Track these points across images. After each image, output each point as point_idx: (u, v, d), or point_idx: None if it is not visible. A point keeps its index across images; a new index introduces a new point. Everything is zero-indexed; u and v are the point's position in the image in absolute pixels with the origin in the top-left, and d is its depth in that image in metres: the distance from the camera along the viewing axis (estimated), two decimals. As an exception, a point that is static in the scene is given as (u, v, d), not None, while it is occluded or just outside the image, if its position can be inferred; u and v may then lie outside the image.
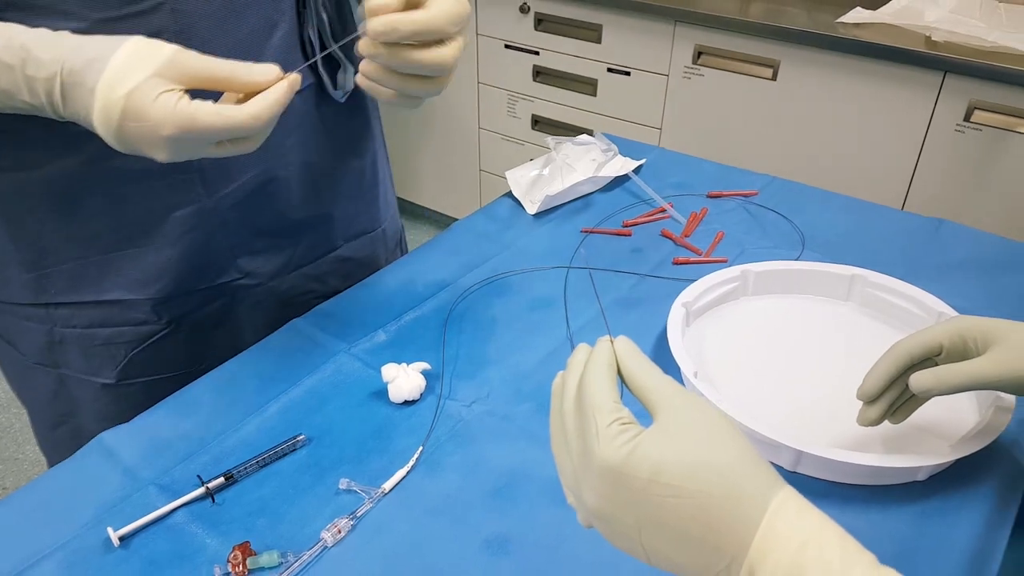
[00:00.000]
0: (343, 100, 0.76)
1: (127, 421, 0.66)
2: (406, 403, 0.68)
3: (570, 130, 2.05)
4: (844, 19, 1.61)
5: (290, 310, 0.79)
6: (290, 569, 0.53)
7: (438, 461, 0.62)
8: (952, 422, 0.64)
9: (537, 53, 2.01)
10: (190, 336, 0.76)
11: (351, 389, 0.69)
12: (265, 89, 0.53)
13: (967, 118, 1.51)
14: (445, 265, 0.86)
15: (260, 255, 0.77)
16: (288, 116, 0.68)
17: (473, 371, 0.71)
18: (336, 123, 0.78)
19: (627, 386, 0.42)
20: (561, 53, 1.97)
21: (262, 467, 0.62)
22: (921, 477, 0.59)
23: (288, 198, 0.76)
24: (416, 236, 2.60)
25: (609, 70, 1.91)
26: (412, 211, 2.67)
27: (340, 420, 0.66)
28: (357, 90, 0.74)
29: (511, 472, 0.61)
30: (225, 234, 0.73)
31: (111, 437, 0.65)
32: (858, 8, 1.65)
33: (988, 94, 1.47)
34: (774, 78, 1.68)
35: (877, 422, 0.60)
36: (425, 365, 0.69)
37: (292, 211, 0.77)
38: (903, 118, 1.57)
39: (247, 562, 0.53)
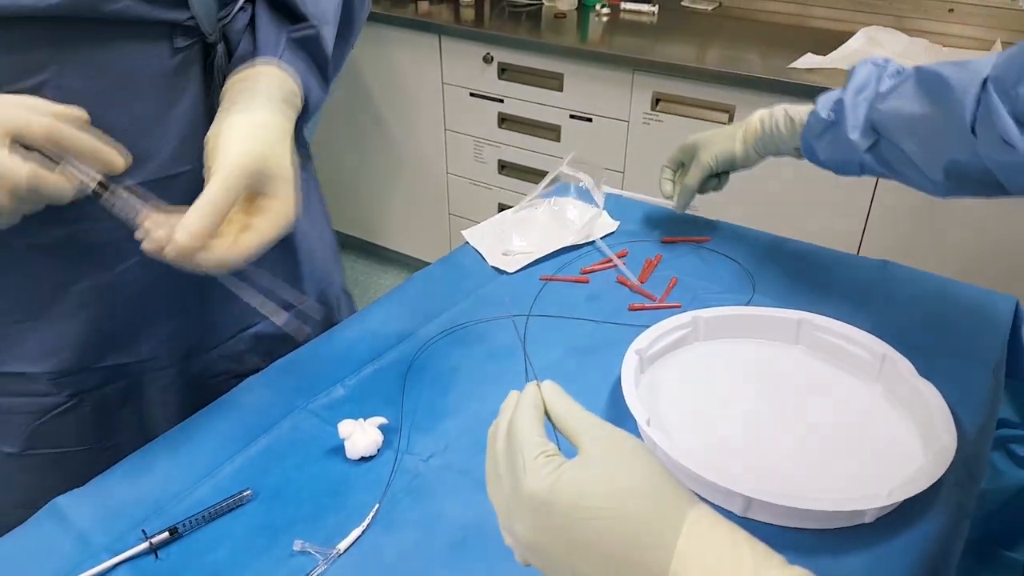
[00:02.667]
0: None
1: (34, 491, 0.65)
2: (363, 459, 0.68)
3: (536, 174, 2.08)
4: (796, 64, 1.67)
5: (205, 392, 0.76)
6: (242, 635, 0.53)
7: (395, 518, 0.62)
8: (896, 463, 0.65)
9: (502, 101, 2.05)
10: (96, 412, 0.74)
11: (307, 447, 0.69)
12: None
13: (917, 158, 1.56)
14: (404, 316, 0.87)
15: (165, 336, 0.74)
16: (196, 188, 0.66)
17: (431, 423, 0.72)
18: None
19: (554, 426, 0.44)
20: (525, 101, 2.01)
21: (208, 522, 0.61)
22: (868, 519, 0.60)
23: (193, 276, 0.72)
24: (386, 280, 2.61)
25: (571, 116, 1.96)
26: (382, 255, 2.68)
27: (296, 478, 0.66)
28: None
29: (470, 526, 0.62)
30: (125, 312, 0.70)
31: (65, 501, 0.64)
32: (809, 54, 1.71)
33: (935, 135, 1.52)
34: (730, 122, 1.72)
35: (682, 208, 0.99)
36: (382, 420, 0.69)
37: (200, 289, 0.73)
38: (856, 159, 1.62)
39: None
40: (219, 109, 0.63)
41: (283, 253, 0.81)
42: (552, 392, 0.45)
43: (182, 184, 0.66)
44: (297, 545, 0.59)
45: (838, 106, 0.78)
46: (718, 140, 0.95)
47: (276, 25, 0.69)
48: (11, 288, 0.67)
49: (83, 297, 0.68)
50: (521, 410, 0.44)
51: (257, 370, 0.79)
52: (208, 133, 0.61)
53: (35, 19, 0.55)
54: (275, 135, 0.62)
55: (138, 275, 0.69)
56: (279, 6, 0.70)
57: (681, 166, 1.01)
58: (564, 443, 0.44)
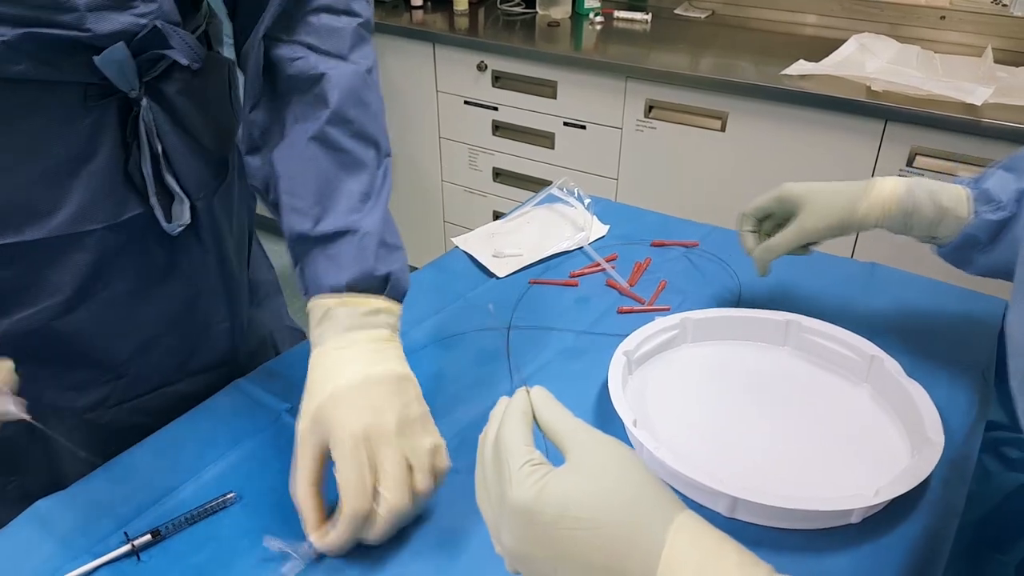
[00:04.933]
0: (176, 233, 0.69)
1: None
2: (348, 461, 0.67)
3: (530, 182, 2.09)
4: (788, 71, 1.67)
5: (110, 439, 0.70)
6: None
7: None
8: (883, 463, 0.65)
9: (496, 108, 2.06)
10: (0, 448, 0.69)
11: (291, 450, 0.68)
12: None
13: (910, 163, 1.57)
14: (393, 320, 0.86)
15: (70, 389, 0.69)
16: (104, 247, 0.64)
17: (417, 426, 0.71)
18: (166, 254, 0.70)
19: (543, 432, 0.44)
20: (519, 108, 2.02)
21: (191, 524, 0.61)
22: (855, 520, 0.60)
23: (102, 331, 0.67)
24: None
25: (565, 124, 1.96)
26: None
27: (280, 482, 0.65)
28: (194, 223, 0.70)
29: (451, 528, 0.61)
30: (22, 363, 0.60)
31: (46, 505, 0.64)
32: (801, 60, 1.71)
33: (929, 140, 1.53)
34: (723, 129, 1.73)
35: (764, 271, 0.81)
36: (367, 422, 0.69)
37: (108, 345, 0.69)
38: (849, 165, 1.63)
39: None
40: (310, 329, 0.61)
41: (200, 310, 0.76)
42: (541, 398, 0.45)
43: (89, 244, 0.63)
44: (272, 544, 0.58)
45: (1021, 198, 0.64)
46: (831, 204, 0.75)
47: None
48: None
49: None
50: (509, 418, 0.44)
51: (173, 420, 0.73)
52: (303, 406, 0.59)
53: None
54: (388, 385, 0.59)
55: (35, 328, 0.64)
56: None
57: (768, 217, 0.82)
58: (554, 451, 0.43)
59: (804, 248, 0.79)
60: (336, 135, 0.65)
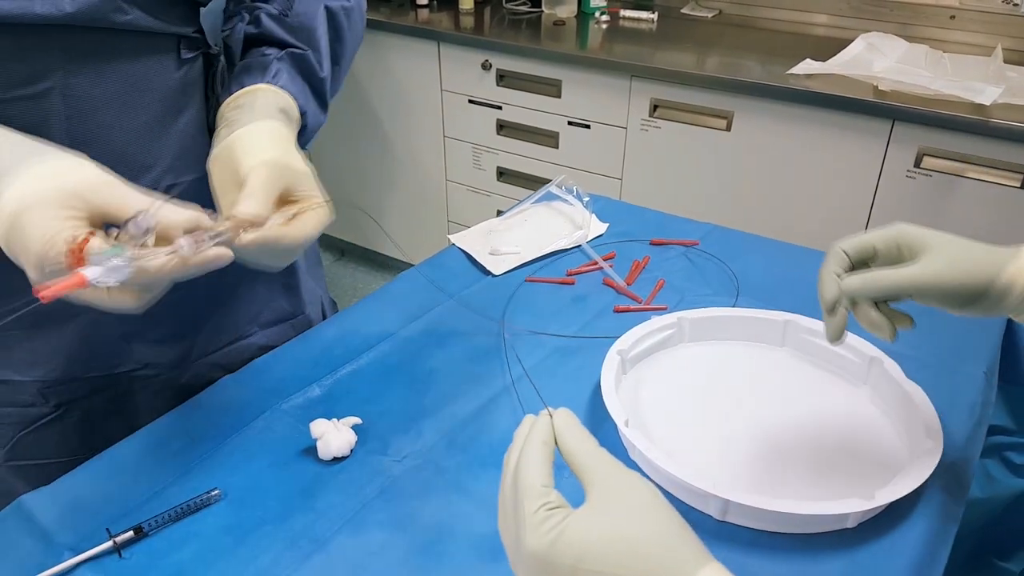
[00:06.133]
0: None
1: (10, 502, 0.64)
2: (335, 460, 0.66)
3: (535, 181, 2.08)
4: (795, 70, 1.65)
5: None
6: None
7: (364, 519, 0.61)
8: (881, 467, 0.64)
9: (500, 108, 2.05)
10: (81, 422, 0.73)
11: (279, 446, 0.68)
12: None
13: (917, 164, 1.54)
14: (386, 316, 0.85)
15: (157, 344, 0.73)
16: (193, 200, 0.66)
17: (407, 424, 0.70)
18: None
19: (564, 461, 0.42)
20: (523, 107, 2.01)
21: (175, 521, 0.60)
22: (851, 524, 0.59)
23: (189, 284, 0.71)
24: (387, 288, 2.60)
25: (569, 123, 1.95)
26: (381, 262, 2.67)
27: (266, 479, 0.65)
28: None
29: (439, 528, 0.60)
30: (117, 321, 0.68)
31: (30, 500, 0.63)
32: (808, 60, 1.70)
33: (937, 141, 1.51)
34: (728, 129, 1.72)
35: (839, 331, 0.57)
36: (356, 420, 0.68)
37: (194, 297, 0.73)
38: (856, 165, 1.61)
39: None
40: (218, 128, 0.62)
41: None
42: (564, 424, 0.43)
43: (180, 197, 0.66)
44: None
45: None
46: (966, 255, 0.56)
47: (264, 52, 0.69)
48: (4, 298, 0.66)
49: (73, 307, 0.67)
50: (529, 448, 0.42)
51: None
52: (216, 149, 0.60)
53: (47, 27, 0.56)
54: (287, 139, 0.61)
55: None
56: (265, 39, 0.69)
57: (865, 262, 0.59)
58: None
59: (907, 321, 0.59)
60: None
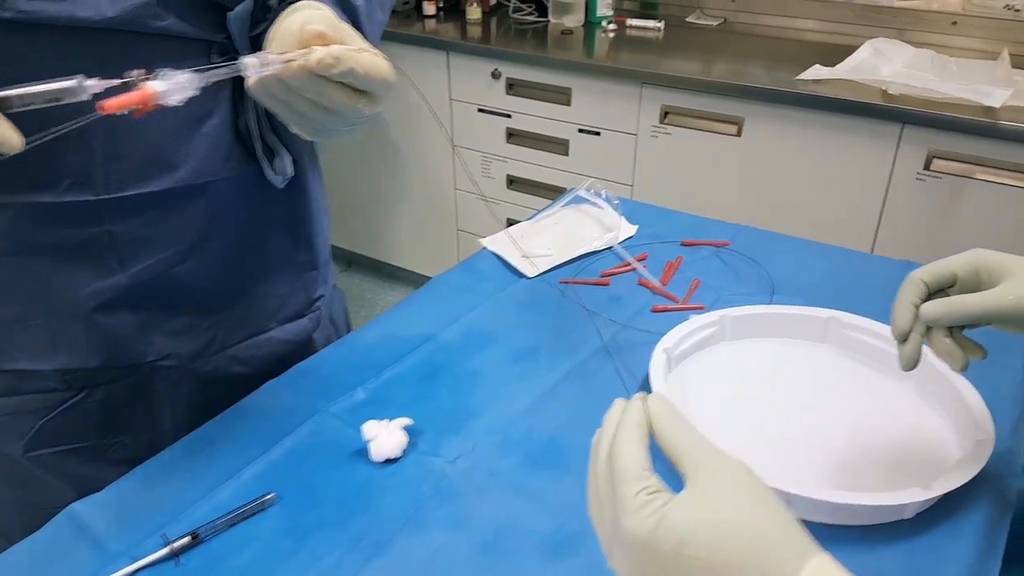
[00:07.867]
0: (282, 186, 0.75)
1: (34, 492, 0.64)
2: (388, 461, 0.66)
3: (545, 189, 2.08)
4: (804, 76, 1.67)
5: (212, 392, 0.76)
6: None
7: (423, 519, 0.61)
8: (935, 458, 0.64)
9: (509, 116, 2.06)
10: (102, 408, 0.73)
11: (330, 449, 0.68)
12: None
13: (927, 167, 1.56)
14: (424, 320, 0.85)
15: (178, 335, 0.74)
16: (219, 198, 0.69)
17: (456, 425, 0.70)
18: (271, 206, 0.76)
19: (660, 448, 0.41)
20: (532, 115, 2.02)
21: (230, 526, 0.60)
22: (908, 515, 0.59)
23: (211, 277, 0.73)
24: (394, 297, 2.60)
25: (579, 131, 1.96)
26: (390, 272, 2.67)
27: (319, 482, 0.64)
28: (297, 175, 0.75)
29: (499, 527, 0.60)
30: (138, 311, 0.70)
31: (81, 507, 0.62)
32: (816, 65, 1.71)
33: (946, 143, 1.52)
34: (739, 134, 1.73)
35: (914, 359, 0.57)
36: (407, 421, 0.68)
37: (215, 291, 0.74)
38: (866, 168, 1.62)
39: None
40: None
41: (298, 258, 0.82)
42: (659, 410, 0.41)
43: (206, 195, 0.69)
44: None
45: None
46: None
47: None
48: (24, 289, 0.67)
49: (95, 297, 0.68)
50: (623, 433, 0.41)
51: (270, 374, 0.78)
52: (270, 33, 0.59)
53: (85, 30, 0.56)
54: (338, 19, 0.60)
55: (155, 275, 0.69)
56: None
57: (942, 290, 0.58)
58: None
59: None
60: None
